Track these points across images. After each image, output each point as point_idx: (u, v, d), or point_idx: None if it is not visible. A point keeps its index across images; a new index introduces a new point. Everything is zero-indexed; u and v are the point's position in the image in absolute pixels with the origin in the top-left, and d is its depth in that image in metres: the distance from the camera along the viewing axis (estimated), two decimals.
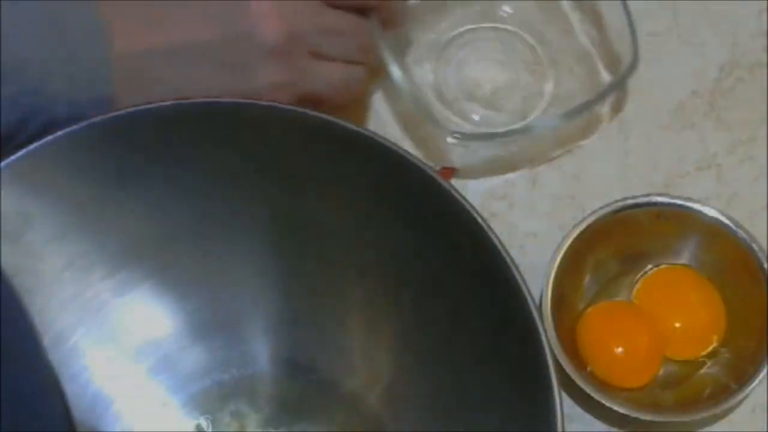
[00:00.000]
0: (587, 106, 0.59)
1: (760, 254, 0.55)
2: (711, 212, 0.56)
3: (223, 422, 0.54)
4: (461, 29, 0.64)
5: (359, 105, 0.61)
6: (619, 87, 0.60)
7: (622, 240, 0.57)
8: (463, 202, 0.47)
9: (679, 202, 0.56)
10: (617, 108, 0.62)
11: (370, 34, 0.56)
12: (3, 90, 0.46)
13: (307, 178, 0.50)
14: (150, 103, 0.48)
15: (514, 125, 0.61)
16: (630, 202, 0.56)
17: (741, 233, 0.55)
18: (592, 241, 0.56)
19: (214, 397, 0.54)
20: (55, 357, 0.44)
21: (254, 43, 0.51)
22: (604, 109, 0.61)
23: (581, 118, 0.60)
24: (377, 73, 0.59)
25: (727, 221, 0.56)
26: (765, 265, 0.55)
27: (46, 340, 0.41)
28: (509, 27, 0.64)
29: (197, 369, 0.54)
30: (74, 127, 0.47)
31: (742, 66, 0.63)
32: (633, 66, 0.58)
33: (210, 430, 0.54)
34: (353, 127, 0.48)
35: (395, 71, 0.57)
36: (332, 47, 0.54)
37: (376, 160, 0.48)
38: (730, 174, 0.61)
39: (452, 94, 0.62)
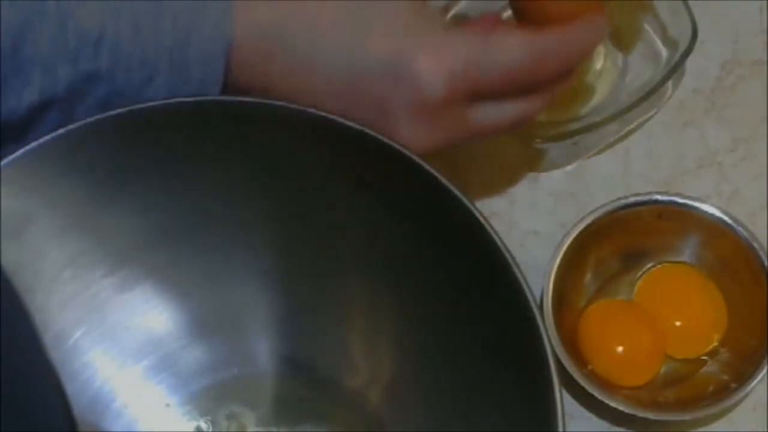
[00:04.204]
0: (658, 86, 0.58)
1: (760, 252, 0.55)
2: (712, 210, 0.56)
3: (223, 421, 0.54)
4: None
5: None
6: (682, 62, 0.59)
7: (623, 238, 0.57)
8: (464, 200, 0.47)
9: (680, 200, 0.56)
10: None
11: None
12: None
13: (309, 177, 0.50)
14: (149, 101, 0.48)
15: (591, 118, 0.59)
16: (631, 200, 0.56)
17: (742, 231, 0.55)
18: (593, 240, 0.56)
19: (215, 396, 0.54)
20: (55, 355, 0.44)
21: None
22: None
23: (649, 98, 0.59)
24: None
25: (728, 219, 0.56)
26: (766, 264, 0.55)
27: (47, 339, 0.41)
28: None
29: (198, 368, 0.54)
30: (74, 125, 0.47)
31: (743, 64, 0.63)
32: (694, 39, 0.57)
33: (210, 429, 0.54)
34: (356, 126, 0.48)
35: None
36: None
37: (378, 159, 0.48)
38: (731, 172, 0.61)
39: None
